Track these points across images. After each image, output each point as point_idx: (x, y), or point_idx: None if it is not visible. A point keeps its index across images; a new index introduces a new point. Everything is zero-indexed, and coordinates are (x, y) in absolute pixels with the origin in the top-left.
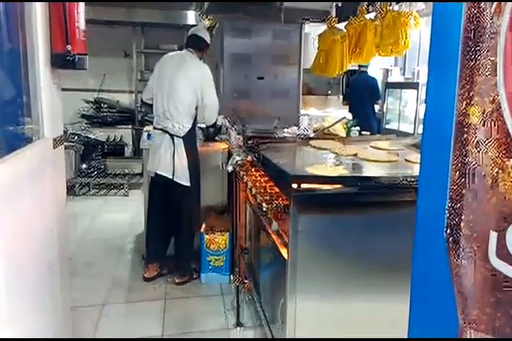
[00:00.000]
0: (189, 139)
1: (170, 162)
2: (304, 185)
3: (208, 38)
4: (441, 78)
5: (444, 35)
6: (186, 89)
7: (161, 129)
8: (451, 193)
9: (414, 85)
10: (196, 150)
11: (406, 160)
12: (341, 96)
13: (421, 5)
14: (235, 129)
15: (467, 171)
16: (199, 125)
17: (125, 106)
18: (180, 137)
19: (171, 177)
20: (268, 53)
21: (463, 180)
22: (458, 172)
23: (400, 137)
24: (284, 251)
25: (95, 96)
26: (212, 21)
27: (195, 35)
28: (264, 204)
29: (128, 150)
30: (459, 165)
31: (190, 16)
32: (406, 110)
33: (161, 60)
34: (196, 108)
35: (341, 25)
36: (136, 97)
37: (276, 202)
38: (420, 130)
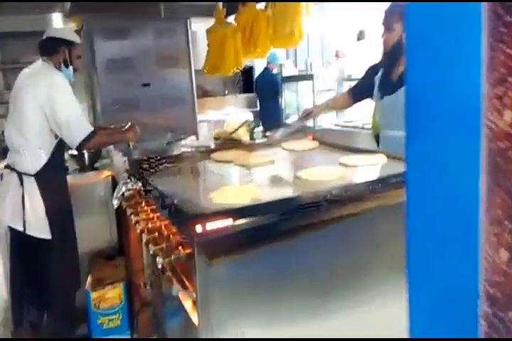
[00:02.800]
0: (46, 176)
1: (19, 209)
2: (210, 224)
3: (66, 35)
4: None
5: None
6: (31, 107)
7: (9, 166)
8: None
9: (308, 77)
10: (61, 189)
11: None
12: (241, 95)
13: None
14: (119, 151)
15: None
16: (71, 152)
17: None
18: (31, 175)
19: (21, 229)
20: (152, 55)
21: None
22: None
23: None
24: (193, 311)
25: None
26: (79, 23)
27: (48, 39)
28: (159, 257)
29: None
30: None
31: (56, 19)
32: (304, 103)
33: None
34: (53, 132)
35: (231, 19)
36: None
37: (176, 253)
38: (319, 122)
